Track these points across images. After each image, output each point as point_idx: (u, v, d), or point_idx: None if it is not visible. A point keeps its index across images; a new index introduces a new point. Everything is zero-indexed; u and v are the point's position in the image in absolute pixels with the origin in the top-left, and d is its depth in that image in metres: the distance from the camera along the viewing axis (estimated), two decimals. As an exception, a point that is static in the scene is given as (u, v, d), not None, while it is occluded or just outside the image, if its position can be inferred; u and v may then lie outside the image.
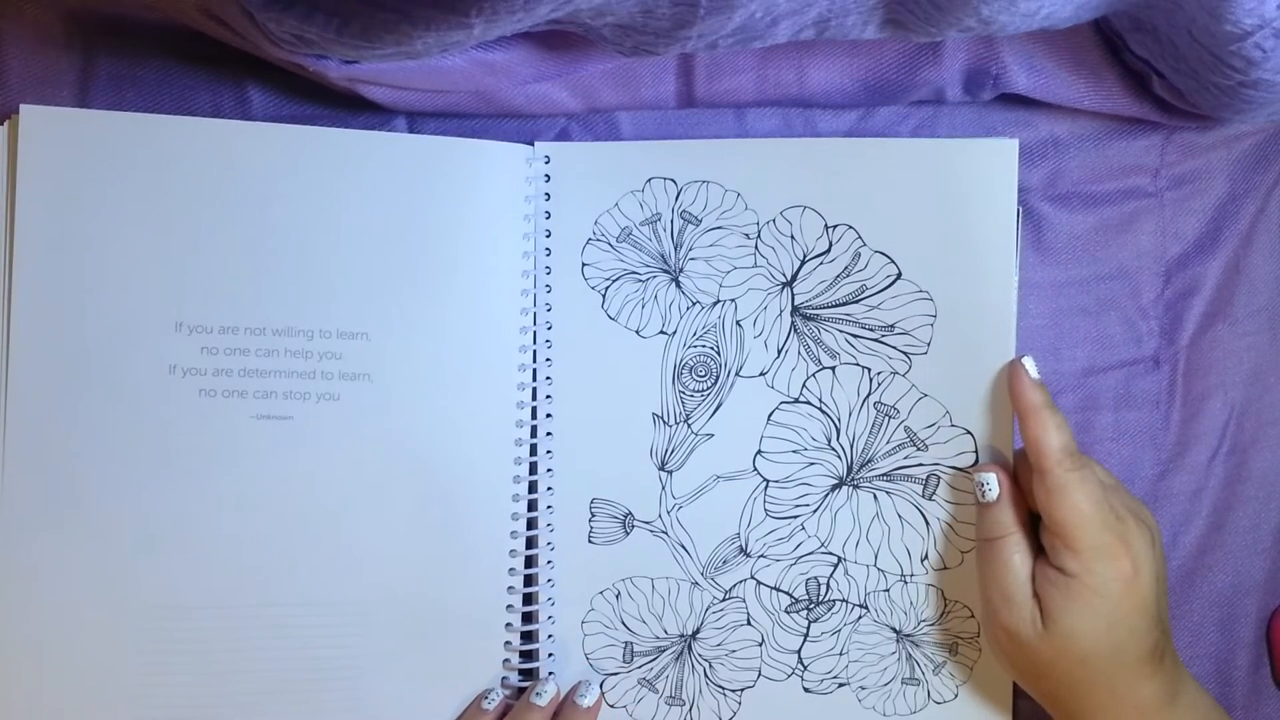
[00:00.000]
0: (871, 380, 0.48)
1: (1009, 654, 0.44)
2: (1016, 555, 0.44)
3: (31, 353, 0.44)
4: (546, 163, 0.48)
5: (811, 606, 0.49)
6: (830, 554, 0.48)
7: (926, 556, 0.48)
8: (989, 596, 0.45)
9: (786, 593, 0.49)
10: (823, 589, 0.49)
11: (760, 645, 0.49)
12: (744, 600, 0.49)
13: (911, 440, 0.48)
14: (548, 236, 0.48)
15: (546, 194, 0.48)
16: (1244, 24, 0.38)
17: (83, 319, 0.44)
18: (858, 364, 0.48)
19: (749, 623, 0.49)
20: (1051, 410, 0.44)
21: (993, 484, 0.45)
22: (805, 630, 0.49)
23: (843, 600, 0.49)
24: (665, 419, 0.48)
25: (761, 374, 0.48)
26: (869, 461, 0.48)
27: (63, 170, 0.44)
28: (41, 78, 0.47)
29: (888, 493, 0.48)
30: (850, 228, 0.48)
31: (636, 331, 0.48)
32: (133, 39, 0.47)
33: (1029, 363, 0.45)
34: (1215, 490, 0.51)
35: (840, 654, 0.49)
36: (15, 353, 0.44)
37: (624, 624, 0.49)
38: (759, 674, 0.49)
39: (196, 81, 0.48)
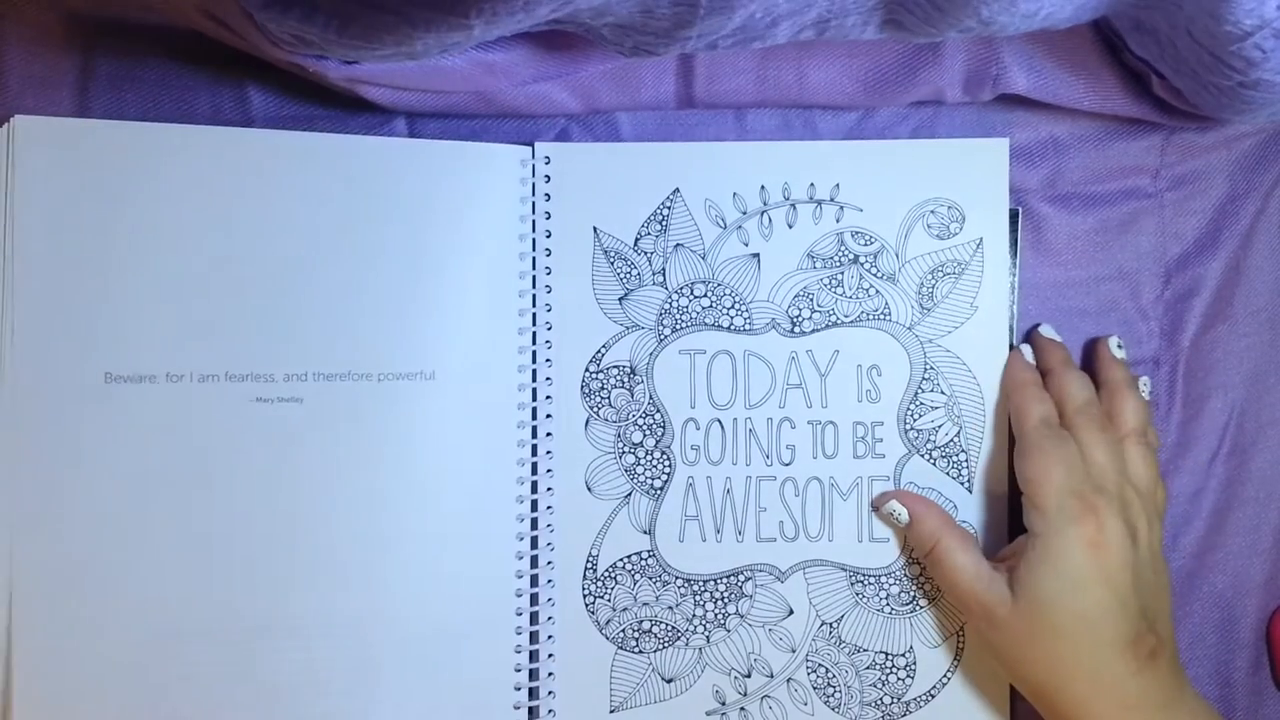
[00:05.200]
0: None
1: (994, 644, 0.44)
2: (955, 551, 0.45)
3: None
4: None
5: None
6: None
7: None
8: (957, 598, 0.45)
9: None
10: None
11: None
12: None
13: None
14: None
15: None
16: (1244, 24, 0.38)
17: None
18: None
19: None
20: (1038, 388, 0.46)
21: (898, 508, 0.47)
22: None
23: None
24: (665, 419, 0.48)
25: (761, 374, 0.48)
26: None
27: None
28: (41, 78, 0.47)
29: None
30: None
31: (636, 332, 0.48)
32: (133, 39, 0.47)
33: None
34: (1215, 491, 0.51)
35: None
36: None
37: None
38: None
39: (196, 82, 0.48)
